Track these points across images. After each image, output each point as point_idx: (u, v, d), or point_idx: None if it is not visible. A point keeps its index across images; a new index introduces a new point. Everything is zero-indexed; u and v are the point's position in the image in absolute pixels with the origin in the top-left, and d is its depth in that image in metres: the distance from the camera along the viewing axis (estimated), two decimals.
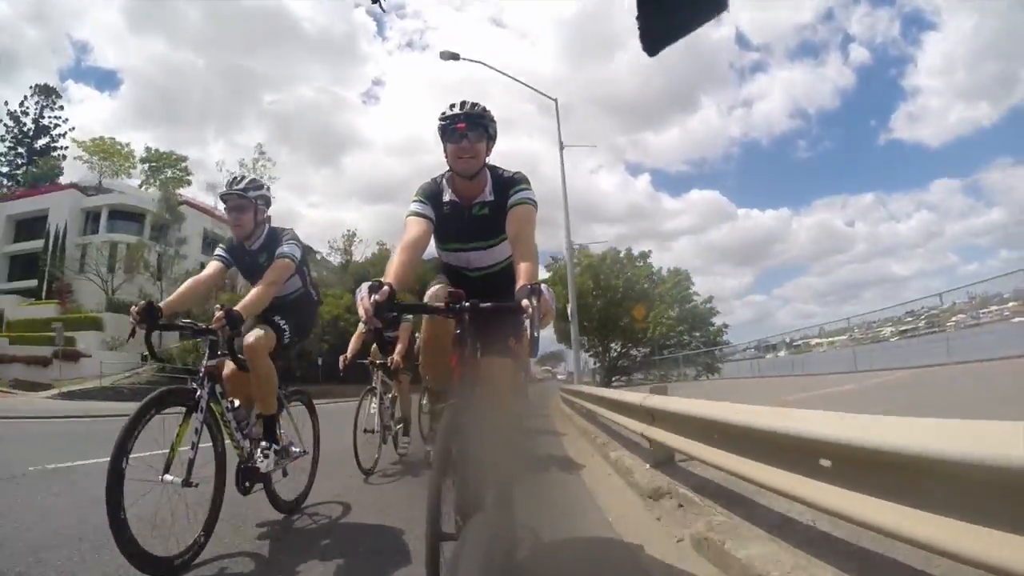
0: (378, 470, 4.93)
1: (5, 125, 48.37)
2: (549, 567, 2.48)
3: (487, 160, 2.46)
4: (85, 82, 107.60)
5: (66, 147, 48.86)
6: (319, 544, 2.92)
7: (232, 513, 3.04)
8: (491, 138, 2.43)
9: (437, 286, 2.64)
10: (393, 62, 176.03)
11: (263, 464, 3.10)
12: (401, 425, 5.83)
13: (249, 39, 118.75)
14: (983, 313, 16.14)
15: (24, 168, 47.90)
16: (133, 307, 2.70)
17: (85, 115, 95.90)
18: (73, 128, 50.68)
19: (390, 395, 5.68)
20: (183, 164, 46.08)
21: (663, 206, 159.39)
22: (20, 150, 48.57)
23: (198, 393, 2.69)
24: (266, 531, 3.09)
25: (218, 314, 2.74)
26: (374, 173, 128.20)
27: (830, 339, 20.27)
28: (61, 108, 50.81)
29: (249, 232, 3.28)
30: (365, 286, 1.80)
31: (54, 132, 49.79)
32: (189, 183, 45.62)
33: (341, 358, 5.67)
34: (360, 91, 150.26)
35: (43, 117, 49.72)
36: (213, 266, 3.28)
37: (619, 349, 38.29)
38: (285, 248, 3.25)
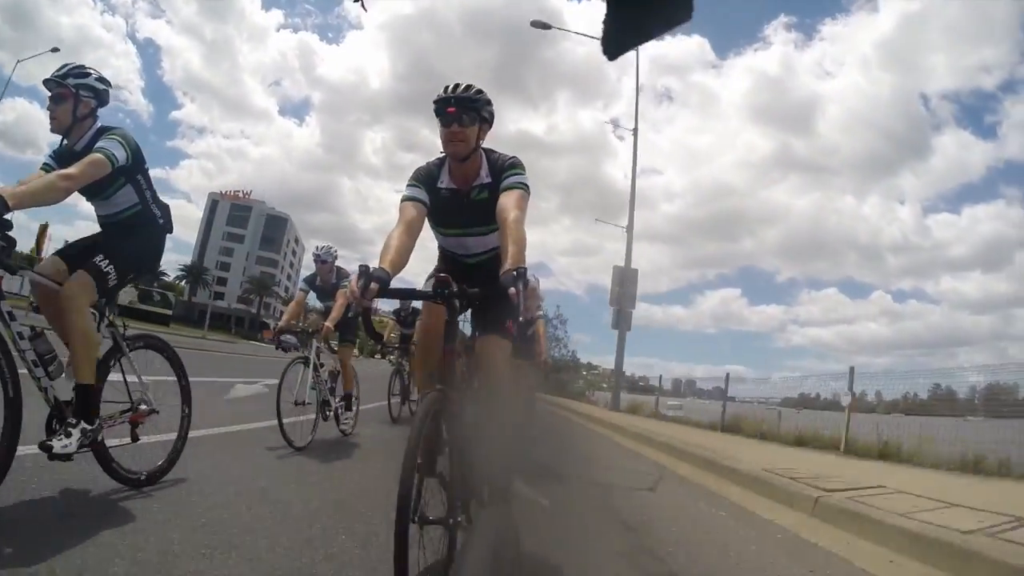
0: (312, 448, 4.40)
1: None
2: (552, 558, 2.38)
3: (482, 144, 2.37)
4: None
5: None
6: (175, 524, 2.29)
7: (50, 480, 2.48)
8: (485, 121, 2.34)
9: (434, 272, 2.58)
10: None
11: (59, 444, 2.27)
12: (343, 401, 5.25)
13: None
14: None
15: None
16: None
17: None
18: None
19: (327, 368, 5.15)
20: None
21: None
22: None
23: None
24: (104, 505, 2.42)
25: None
26: None
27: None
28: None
29: (66, 128, 2.60)
30: (356, 269, 1.80)
31: None
32: None
33: (272, 324, 7.62)
34: None
35: None
36: (37, 176, 2.52)
37: None
38: (103, 143, 2.52)
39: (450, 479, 1.86)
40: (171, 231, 2.99)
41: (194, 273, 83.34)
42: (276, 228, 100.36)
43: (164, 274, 78.95)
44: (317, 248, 5.39)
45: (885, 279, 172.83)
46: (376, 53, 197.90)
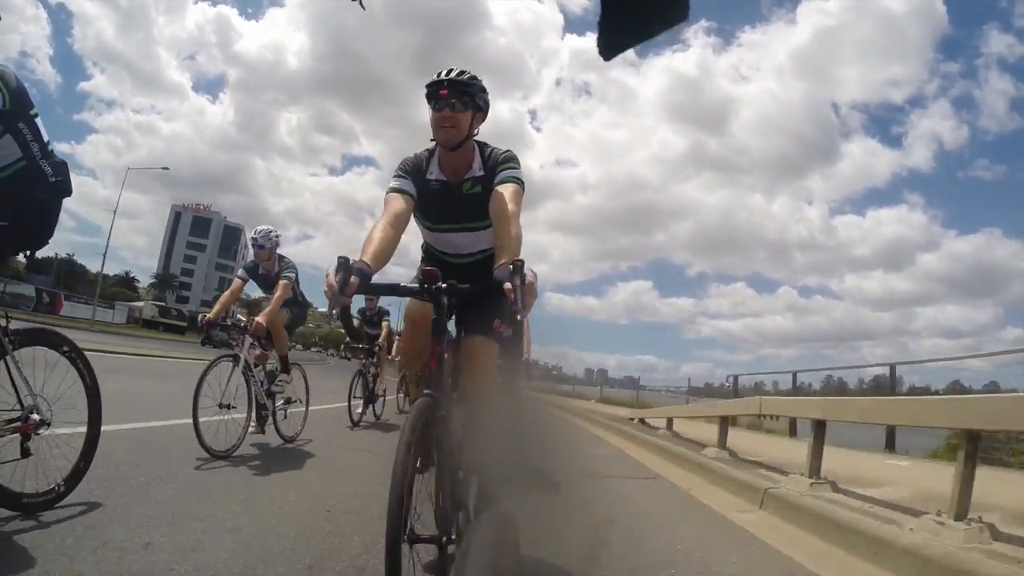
0: (238, 455, 3.78)
1: None
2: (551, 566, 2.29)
3: (475, 134, 2.18)
4: None
5: None
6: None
7: None
8: (479, 109, 2.16)
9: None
10: None
11: None
12: (280, 363, 4.68)
13: None
14: None
15: None
16: None
17: None
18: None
19: (263, 368, 4.52)
20: None
21: None
22: None
23: None
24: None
25: None
26: None
27: None
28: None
29: None
30: (335, 263, 1.59)
31: None
32: None
33: (200, 317, 4.43)
34: None
35: None
36: None
37: None
38: None
39: (440, 492, 1.67)
40: (69, 194, 2.39)
41: (164, 281, 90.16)
42: (233, 237, 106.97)
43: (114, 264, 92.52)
44: (255, 232, 4.63)
45: (792, 275, 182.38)
46: (296, 32, 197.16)
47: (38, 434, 2.32)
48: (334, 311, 1.72)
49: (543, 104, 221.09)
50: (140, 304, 51.23)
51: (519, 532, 1.51)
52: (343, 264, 1.60)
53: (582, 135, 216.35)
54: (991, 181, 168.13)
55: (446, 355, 1.94)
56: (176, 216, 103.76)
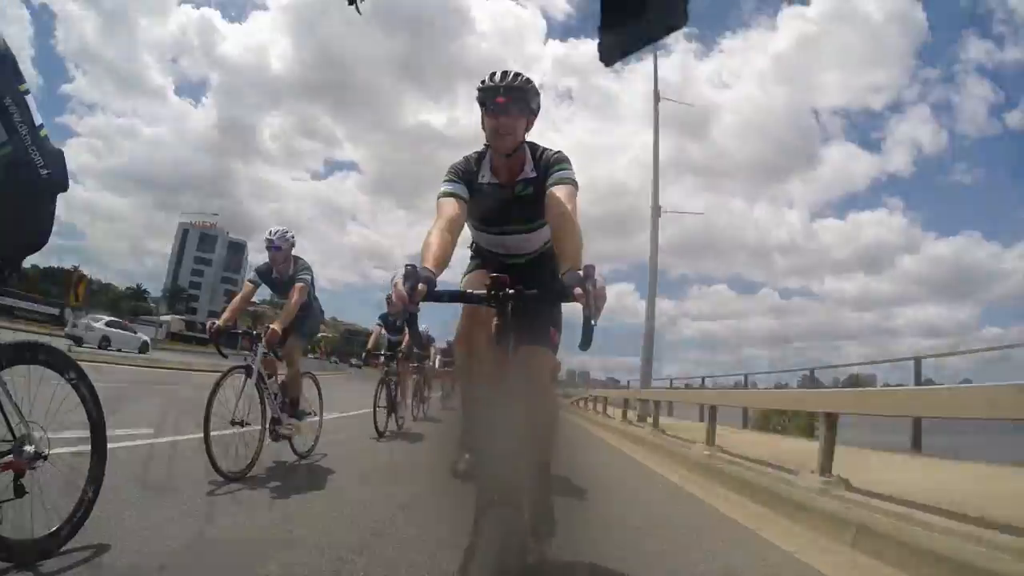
0: (252, 475, 3.47)
1: None
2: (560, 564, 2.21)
3: (527, 135, 2.16)
4: None
5: None
6: None
7: None
8: (532, 112, 2.13)
9: (474, 272, 2.37)
10: None
11: None
12: (290, 407, 4.18)
13: None
14: None
15: None
16: None
17: None
18: None
19: (276, 379, 4.15)
20: None
21: None
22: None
23: None
24: None
25: None
26: None
27: None
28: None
29: None
30: (400, 272, 1.55)
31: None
32: None
33: (210, 323, 4.00)
34: None
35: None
36: None
37: None
38: None
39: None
40: (64, 188, 2.01)
41: (175, 294, 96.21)
42: (237, 251, 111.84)
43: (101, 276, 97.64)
44: (270, 232, 4.22)
45: (773, 277, 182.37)
46: (280, 35, 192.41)
47: (33, 468, 1.92)
48: (401, 320, 1.69)
49: None
50: (168, 319, 56.50)
51: (528, 529, 1.46)
52: (410, 272, 1.55)
53: (564, 141, 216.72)
54: (970, 185, 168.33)
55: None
56: (184, 232, 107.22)
